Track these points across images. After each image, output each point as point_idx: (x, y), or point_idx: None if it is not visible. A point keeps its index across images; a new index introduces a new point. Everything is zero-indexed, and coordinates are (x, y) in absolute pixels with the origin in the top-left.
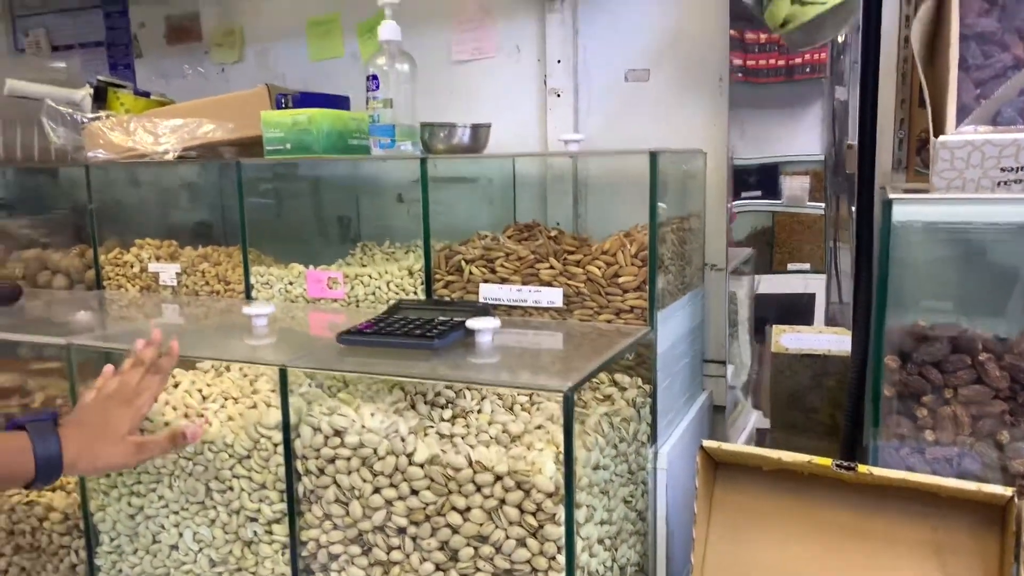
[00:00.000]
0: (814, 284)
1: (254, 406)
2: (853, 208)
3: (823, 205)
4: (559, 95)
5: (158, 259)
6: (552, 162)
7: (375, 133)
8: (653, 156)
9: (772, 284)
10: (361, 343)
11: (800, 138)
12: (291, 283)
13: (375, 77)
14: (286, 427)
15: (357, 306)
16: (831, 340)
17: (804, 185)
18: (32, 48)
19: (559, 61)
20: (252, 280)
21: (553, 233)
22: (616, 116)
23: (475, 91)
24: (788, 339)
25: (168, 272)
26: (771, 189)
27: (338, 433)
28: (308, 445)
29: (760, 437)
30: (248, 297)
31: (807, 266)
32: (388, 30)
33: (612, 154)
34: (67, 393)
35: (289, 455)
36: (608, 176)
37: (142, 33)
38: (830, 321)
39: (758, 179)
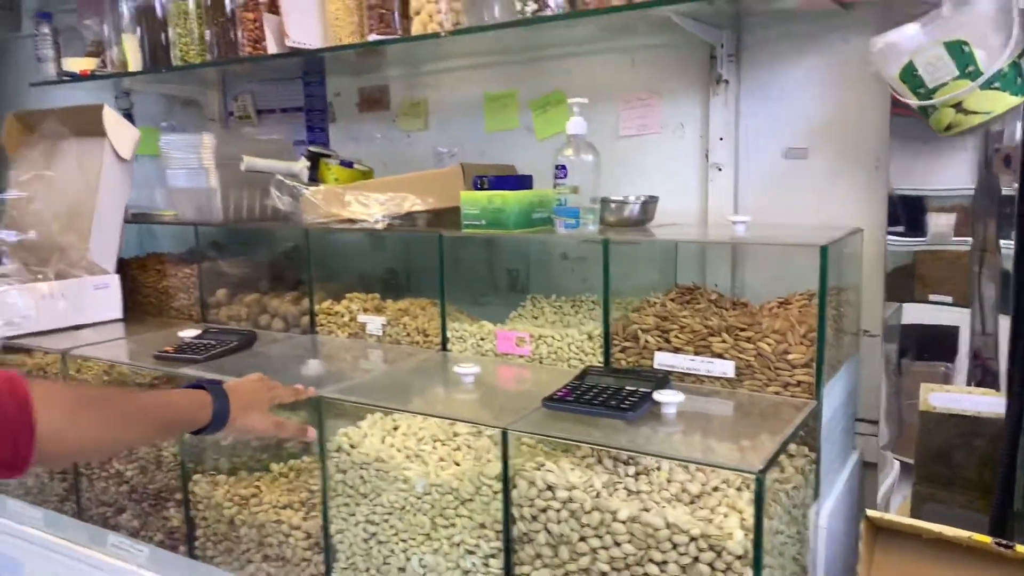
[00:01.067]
0: (957, 317)
1: (478, 458)
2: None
3: (969, 240)
4: (720, 169)
5: (365, 311)
6: (712, 229)
7: (561, 214)
8: (823, 251)
9: (914, 315)
10: (564, 410)
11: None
12: (482, 339)
13: (563, 167)
14: (505, 480)
15: (540, 363)
16: (983, 402)
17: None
18: (239, 111)
19: (721, 138)
20: (448, 334)
21: (713, 296)
22: (774, 190)
23: (640, 163)
24: (937, 398)
25: (375, 323)
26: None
27: (549, 488)
28: (524, 495)
29: (904, 488)
30: (444, 348)
31: (949, 299)
32: (575, 125)
33: (780, 245)
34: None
35: (507, 502)
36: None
37: (337, 101)
38: (975, 355)
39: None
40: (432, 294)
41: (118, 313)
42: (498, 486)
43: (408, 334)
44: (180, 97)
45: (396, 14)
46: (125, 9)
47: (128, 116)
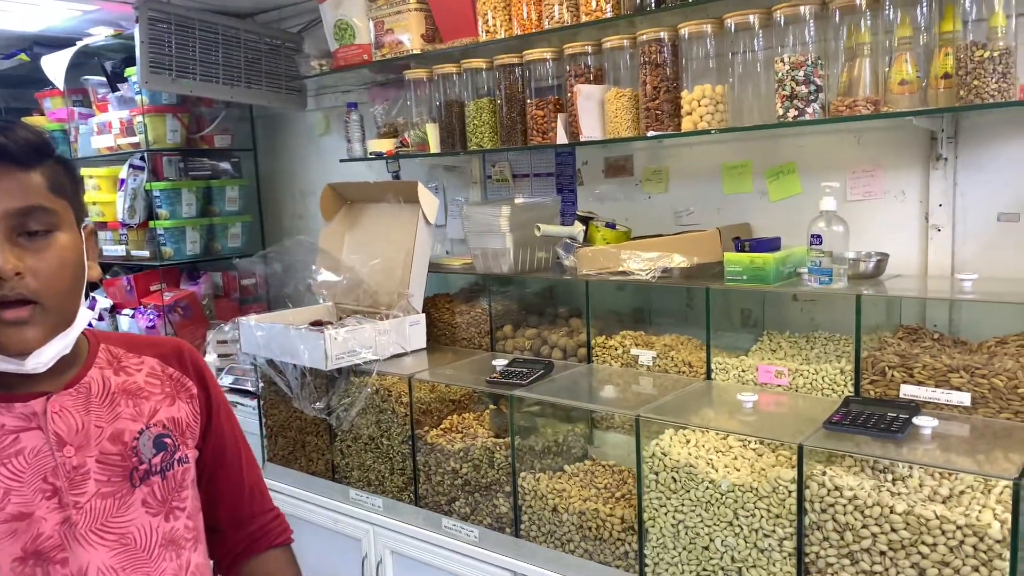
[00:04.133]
0: None
1: (751, 466)
2: None
3: None
4: (939, 230)
5: (636, 345)
6: (935, 282)
7: (815, 272)
8: None
9: None
10: (844, 431)
11: None
12: (743, 371)
13: (818, 236)
14: (800, 482)
15: (796, 391)
16: None
17: None
18: (497, 175)
19: (940, 205)
20: (712, 365)
21: (936, 336)
22: (988, 249)
23: (865, 223)
24: None
25: (646, 356)
26: None
27: (837, 488)
28: (815, 494)
29: None
30: (708, 377)
31: None
32: (828, 203)
33: (1006, 303)
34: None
35: (800, 498)
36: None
37: (585, 168)
38: None
39: None
40: (680, 330)
41: (423, 344)
42: (793, 487)
43: (675, 365)
44: (445, 164)
45: (667, 114)
46: (428, 102)
47: (396, 177)
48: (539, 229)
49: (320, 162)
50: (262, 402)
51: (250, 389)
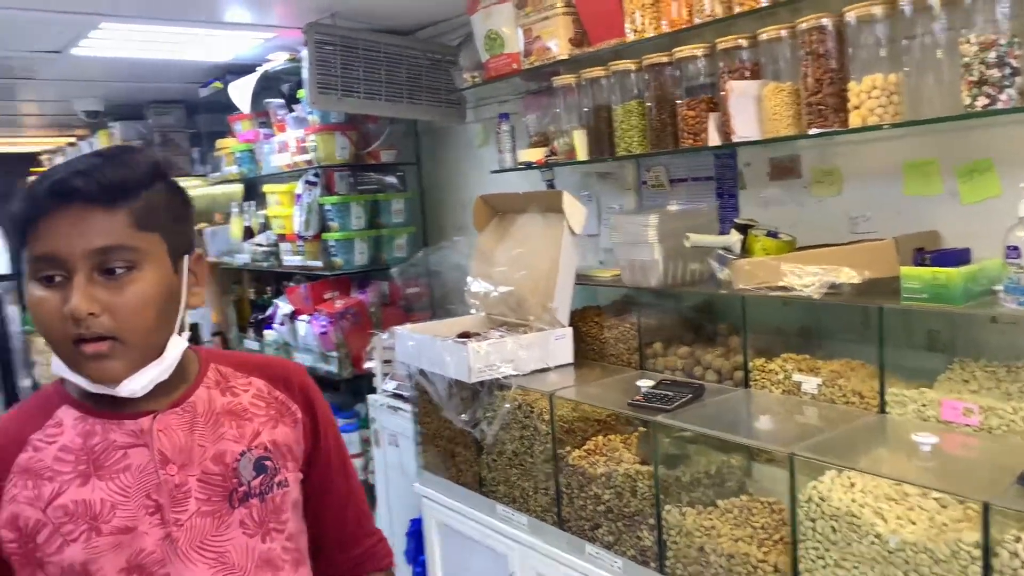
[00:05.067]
0: None
1: (931, 520)
2: None
3: None
4: None
5: (800, 371)
6: None
7: (1012, 291)
8: None
9: None
10: None
11: None
12: (924, 405)
13: (1015, 248)
14: (986, 548)
15: (990, 432)
16: None
17: None
18: (653, 180)
19: None
20: (887, 398)
21: None
22: None
23: None
24: None
25: (810, 383)
26: None
27: None
28: (1006, 564)
29: None
30: (882, 411)
31: None
32: None
33: None
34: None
35: (987, 567)
36: None
37: (747, 170)
38: None
39: None
40: (851, 354)
41: (570, 359)
42: (977, 552)
43: (844, 395)
44: (597, 171)
45: (832, 108)
46: (576, 108)
47: (550, 186)
48: (688, 239)
49: (479, 173)
50: (416, 409)
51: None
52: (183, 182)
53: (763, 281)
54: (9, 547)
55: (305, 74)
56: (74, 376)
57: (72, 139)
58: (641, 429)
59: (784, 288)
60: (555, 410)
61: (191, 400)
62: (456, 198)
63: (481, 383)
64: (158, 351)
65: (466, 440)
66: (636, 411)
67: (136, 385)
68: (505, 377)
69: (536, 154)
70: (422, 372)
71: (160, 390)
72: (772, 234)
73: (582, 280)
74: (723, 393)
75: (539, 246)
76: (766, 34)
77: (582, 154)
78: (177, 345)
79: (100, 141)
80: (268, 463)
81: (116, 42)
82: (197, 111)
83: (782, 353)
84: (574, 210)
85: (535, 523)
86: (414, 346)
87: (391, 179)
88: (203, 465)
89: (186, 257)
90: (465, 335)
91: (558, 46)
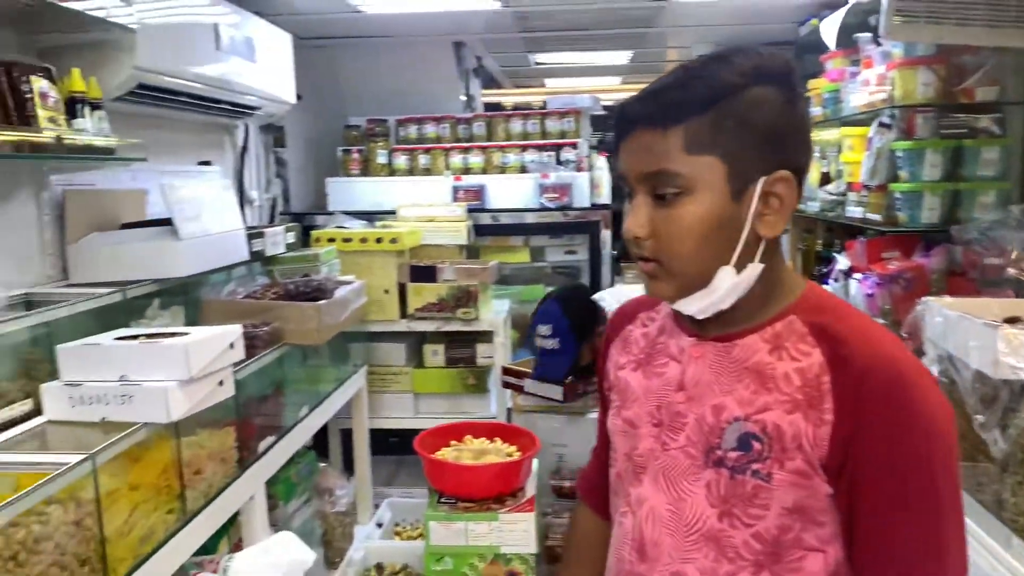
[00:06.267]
0: None
1: None
2: None
3: None
4: None
5: None
6: None
7: None
8: None
9: None
10: None
11: None
12: None
13: None
14: None
15: None
16: None
17: None
18: None
19: None
20: None
21: None
22: None
23: None
24: None
25: None
26: None
27: None
28: None
29: None
30: None
31: None
32: None
33: None
34: None
35: None
36: None
37: None
38: None
39: None
40: None
41: None
42: None
43: None
44: None
45: None
46: None
47: None
48: None
49: None
50: None
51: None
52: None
53: None
54: (607, 392)
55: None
56: None
57: None
58: None
59: None
60: None
61: (737, 342)
62: None
63: (1006, 381)
64: (703, 280)
65: (989, 450)
66: None
67: (689, 309)
68: None
69: None
70: (950, 357)
71: (731, 316)
72: None
73: None
74: None
75: None
76: None
77: None
78: (728, 277)
79: None
80: (755, 444)
81: None
82: (806, 51)
83: None
84: None
85: None
86: (941, 324)
87: (985, 122)
88: (704, 408)
89: (761, 180)
90: (1015, 320)
91: None
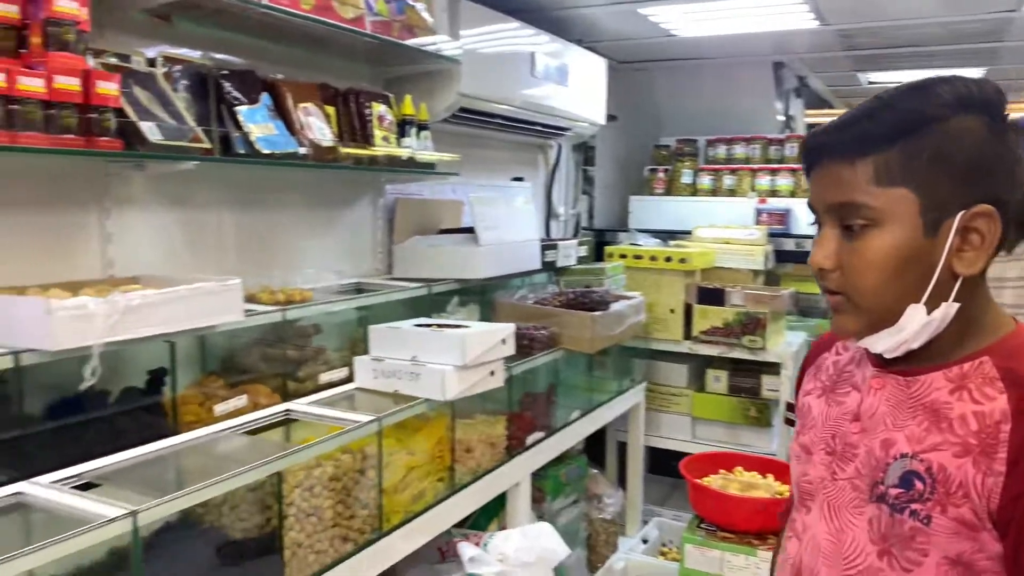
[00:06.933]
0: None
1: None
2: None
3: None
4: None
5: None
6: None
7: None
8: None
9: None
10: None
11: None
12: None
13: None
14: None
15: None
16: None
17: None
18: None
19: None
20: None
21: None
22: None
23: None
24: None
25: None
26: None
27: None
28: None
29: None
30: None
31: None
32: None
33: None
34: None
35: None
36: None
37: None
38: None
39: None
40: None
41: None
42: None
43: None
44: None
45: None
46: None
47: None
48: None
49: None
50: None
51: None
52: None
53: None
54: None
55: None
56: None
57: None
58: None
59: None
60: None
61: (919, 378)
62: None
63: None
64: (891, 318)
65: None
66: None
67: (875, 347)
68: None
69: None
70: None
71: (919, 352)
72: None
73: None
74: None
75: None
76: None
77: None
78: (917, 315)
79: None
80: (917, 483)
81: None
82: None
83: None
84: None
85: None
86: None
87: None
88: (875, 441)
89: (959, 215)
90: None
91: None
